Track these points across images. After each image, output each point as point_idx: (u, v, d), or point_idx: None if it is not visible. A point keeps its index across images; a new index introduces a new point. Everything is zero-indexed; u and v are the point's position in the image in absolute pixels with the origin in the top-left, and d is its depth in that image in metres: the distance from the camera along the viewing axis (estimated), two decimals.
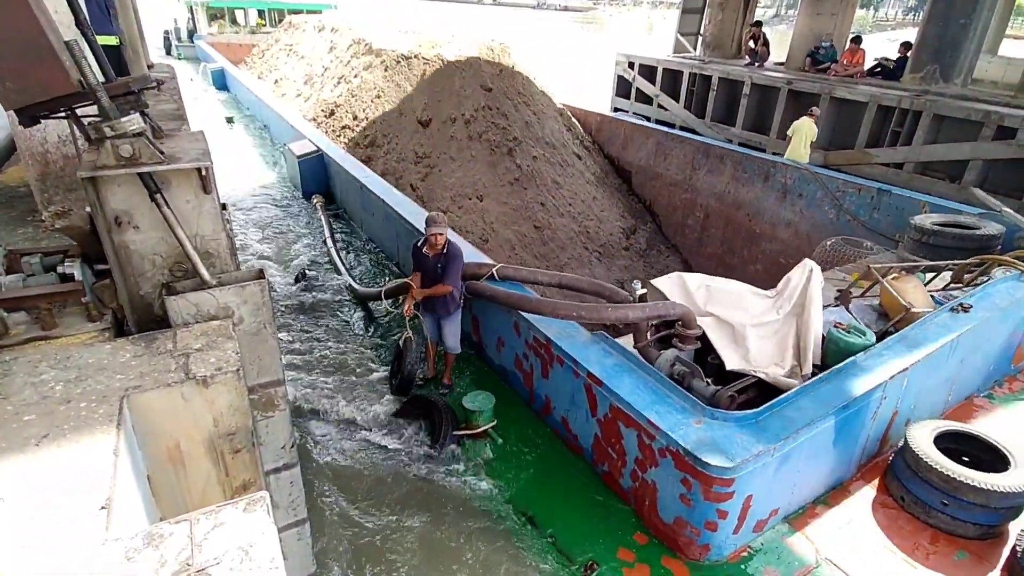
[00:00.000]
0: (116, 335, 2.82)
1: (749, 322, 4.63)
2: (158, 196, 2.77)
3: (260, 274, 3.03)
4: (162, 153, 2.77)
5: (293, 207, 10.24)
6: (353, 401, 5.47)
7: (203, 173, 2.88)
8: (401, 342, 5.32)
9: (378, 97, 12.33)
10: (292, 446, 3.32)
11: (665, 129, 13.18)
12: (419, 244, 5.33)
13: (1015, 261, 5.74)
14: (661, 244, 13.17)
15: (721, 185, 11.84)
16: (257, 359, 3.08)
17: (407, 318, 5.29)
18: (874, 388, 4.14)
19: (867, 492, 4.44)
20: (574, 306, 4.71)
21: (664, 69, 16.39)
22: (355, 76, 13.61)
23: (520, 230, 11.51)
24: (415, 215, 7.38)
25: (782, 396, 3.95)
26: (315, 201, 9.90)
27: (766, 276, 11.28)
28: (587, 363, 4.45)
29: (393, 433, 5.12)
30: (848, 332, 4.56)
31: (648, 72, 16.97)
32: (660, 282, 5.34)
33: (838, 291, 7.20)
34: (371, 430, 5.15)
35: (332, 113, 12.98)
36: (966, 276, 6.09)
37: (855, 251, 7.97)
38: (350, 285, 7.30)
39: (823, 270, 6.95)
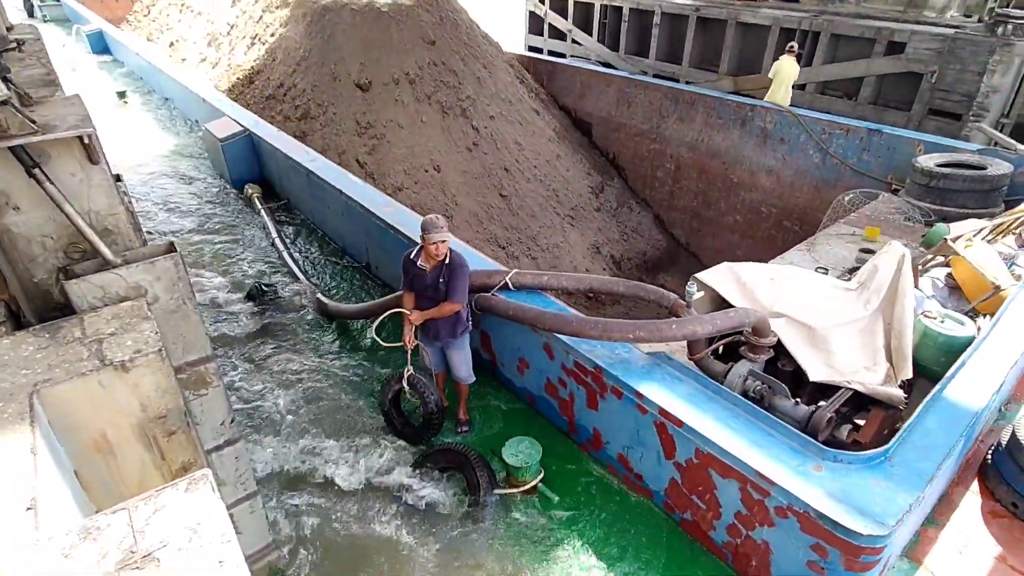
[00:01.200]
0: (14, 328, 2.66)
1: (831, 322, 3.92)
2: (36, 171, 2.51)
3: (171, 247, 2.86)
4: (33, 123, 2.48)
5: (223, 202, 8.66)
6: (358, 456, 4.46)
7: (86, 141, 2.62)
8: (405, 381, 4.30)
9: (304, 59, 10.60)
10: (231, 422, 3.24)
11: (627, 75, 12.19)
12: (411, 256, 4.25)
13: None
14: (631, 200, 12.42)
15: (693, 133, 11.10)
16: (181, 337, 2.95)
17: (409, 351, 4.28)
18: (996, 391, 3.56)
19: (971, 500, 3.93)
20: (628, 326, 3.84)
21: (575, 2, 15.35)
22: (271, 35, 11.69)
23: (485, 200, 10.42)
24: (382, 206, 6.19)
25: (909, 422, 3.28)
26: (250, 193, 8.39)
27: (746, 226, 10.81)
28: (656, 397, 3.63)
29: (416, 492, 4.17)
30: (941, 322, 3.94)
31: (559, 6, 15.89)
32: (708, 276, 4.54)
33: (860, 250, 6.70)
34: (400, 494, 4.19)
35: (251, 81, 11.14)
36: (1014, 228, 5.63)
37: (873, 204, 7.42)
38: (318, 300, 6.10)
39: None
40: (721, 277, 4.43)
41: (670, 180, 11.89)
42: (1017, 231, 5.70)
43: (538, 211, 10.75)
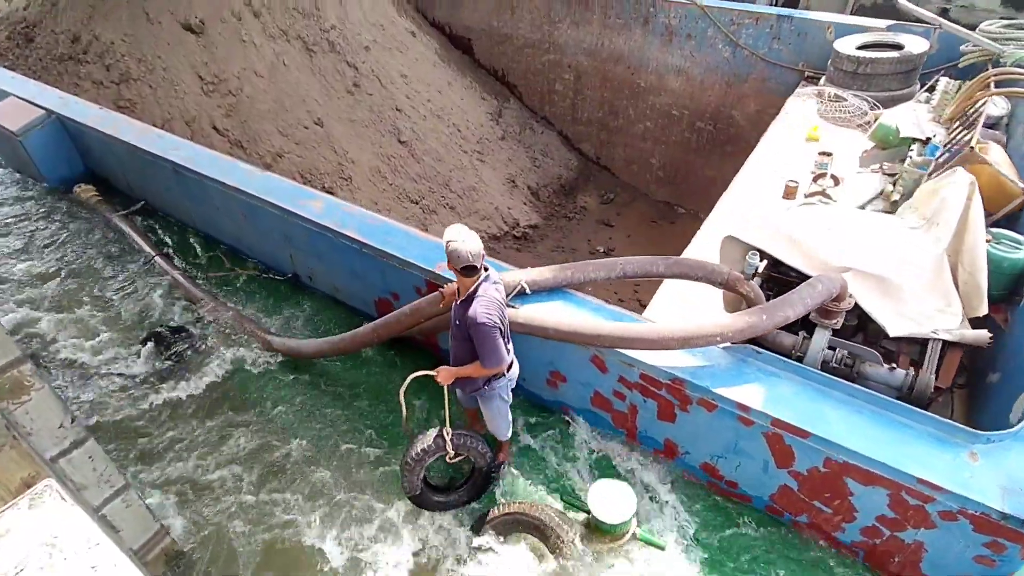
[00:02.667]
0: None
1: (903, 267, 3.54)
2: None
3: None
4: None
5: (46, 214, 6.42)
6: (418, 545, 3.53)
7: None
8: (450, 446, 3.34)
9: (110, 3, 7.91)
10: (72, 422, 2.98)
11: None
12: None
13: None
14: (531, 120, 11.43)
15: (591, 38, 10.16)
16: None
17: (445, 391, 3.32)
18: None
19: None
20: (713, 330, 3.16)
21: None
22: None
23: (383, 150, 8.94)
24: (305, 202, 4.78)
25: None
26: (85, 197, 6.29)
27: (658, 132, 10.42)
28: (765, 407, 3.08)
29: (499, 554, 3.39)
30: (998, 243, 3.72)
31: None
32: (748, 234, 3.94)
33: (819, 152, 6.45)
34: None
35: (29, 39, 8.19)
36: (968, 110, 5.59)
37: (841, 107, 7.12)
38: (267, 341, 4.71)
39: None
40: (765, 234, 3.85)
41: (571, 93, 11.01)
42: (970, 114, 5.71)
43: (443, 152, 9.47)
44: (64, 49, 7.76)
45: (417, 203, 8.92)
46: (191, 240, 6.06)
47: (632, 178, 11.30)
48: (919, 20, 7.27)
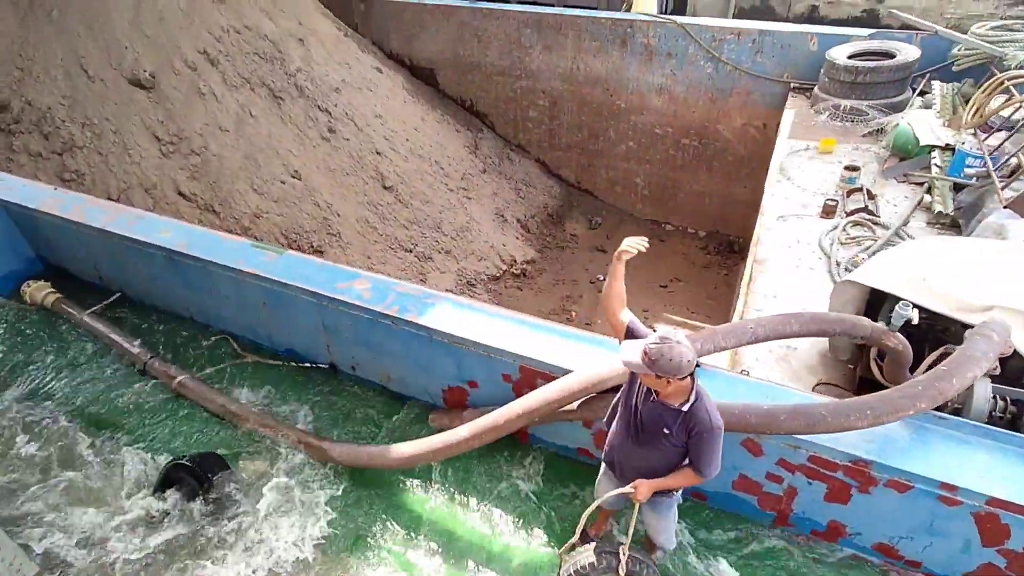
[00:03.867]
0: None
1: None
2: None
3: None
4: None
5: None
6: None
7: None
8: (621, 566, 2.78)
9: (25, 57, 6.83)
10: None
11: (468, 4, 10.25)
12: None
13: None
14: (507, 150, 11.00)
15: (566, 62, 9.86)
16: None
17: (636, 508, 2.76)
18: None
19: None
20: (904, 402, 2.78)
21: None
22: None
23: (369, 199, 8.24)
24: (337, 283, 4.10)
25: None
26: (40, 297, 5.24)
27: (641, 151, 10.26)
28: (974, 483, 2.73)
29: None
30: None
31: None
32: (872, 278, 3.63)
33: (845, 168, 6.33)
34: None
35: None
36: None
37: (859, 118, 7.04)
38: (323, 449, 3.94)
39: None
40: (891, 277, 3.55)
41: (546, 118, 10.66)
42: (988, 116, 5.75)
43: (430, 193, 8.86)
44: None
45: (411, 251, 8.26)
46: (187, 333, 5.16)
47: (617, 199, 11.07)
48: (908, 27, 7.39)
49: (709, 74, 9.02)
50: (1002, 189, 4.54)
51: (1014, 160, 5.02)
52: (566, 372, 3.37)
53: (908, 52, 7.22)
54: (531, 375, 3.62)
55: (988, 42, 6.54)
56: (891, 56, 7.30)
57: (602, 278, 9.67)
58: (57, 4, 6.89)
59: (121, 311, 5.39)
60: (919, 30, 7.32)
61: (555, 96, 10.32)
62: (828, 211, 5.89)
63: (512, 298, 8.94)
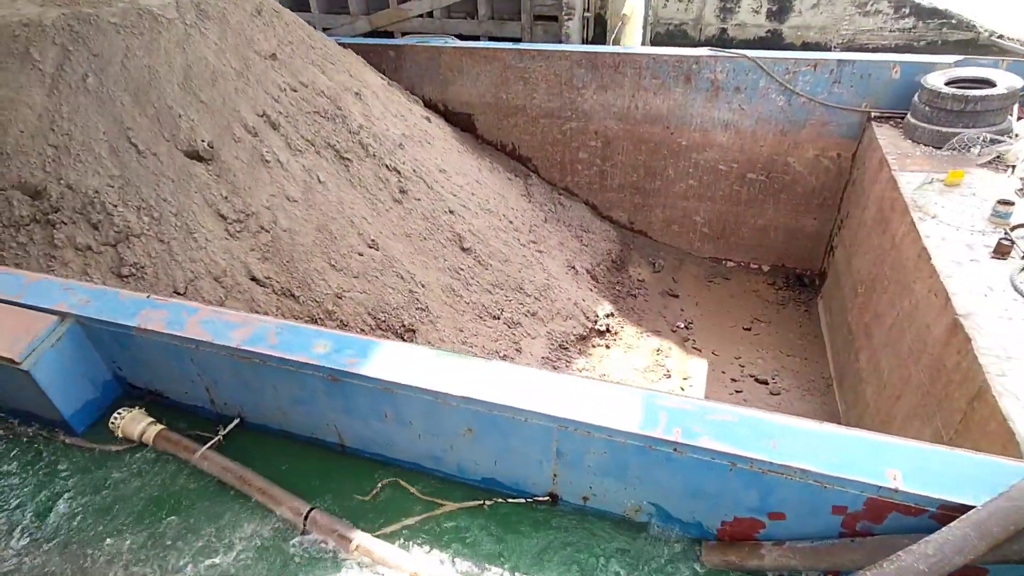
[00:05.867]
0: None
1: None
2: None
3: None
4: None
5: (78, 484, 4.12)
6: None
7: None
8: None
9: (60, 133, 5.72)
10: None
11: (510, 46, 9.67)
12: None
13: None
14: (556, 195, 10.38)
15: (622, 101, 9.39)
16: None
17: None
18: None
19: None
20: None
21: None
22: None
23: (450, 264, 7.41)
24: (574, 410, 3.30)
25: None
26: (127, 428, 4.15)
27: (702, 189, 9.86)
28: None
29: None
30: None
31: None
32: None
33: (998, 202, 5.99)
34: None
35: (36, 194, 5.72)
36: None
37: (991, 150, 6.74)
38: None
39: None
40: None
41: (598, 159, 10.13)
42: None
43: (507, 251, 8.10)
44: (22, 211, 5.43)
45: (498, 318, 7.44)
46: (335, 466, 4.16)
47: (673, 239, 10.59)
48: (1003, 51, 7.26)
49: (781, 107, 8.71)
50: None
51: None
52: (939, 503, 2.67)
53: (1008, 79, 7.06)
54: (883, 508, 2.90)
55: None
56: (988, 83, 7.14)
57: (682, 325, 9.10)
58: (92, 69, 5.86)
59: (239, 439, 4.35)
60: (1011, 55, 7.20)
61: (609, 136, 9.82)
62: (1003, 251, 5.50)
63: (603, 358, 8.22)
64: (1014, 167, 6.57)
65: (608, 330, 8.51)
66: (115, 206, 5.57)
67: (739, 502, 3.25)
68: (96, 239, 5.47)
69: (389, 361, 3.63)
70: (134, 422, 4.28)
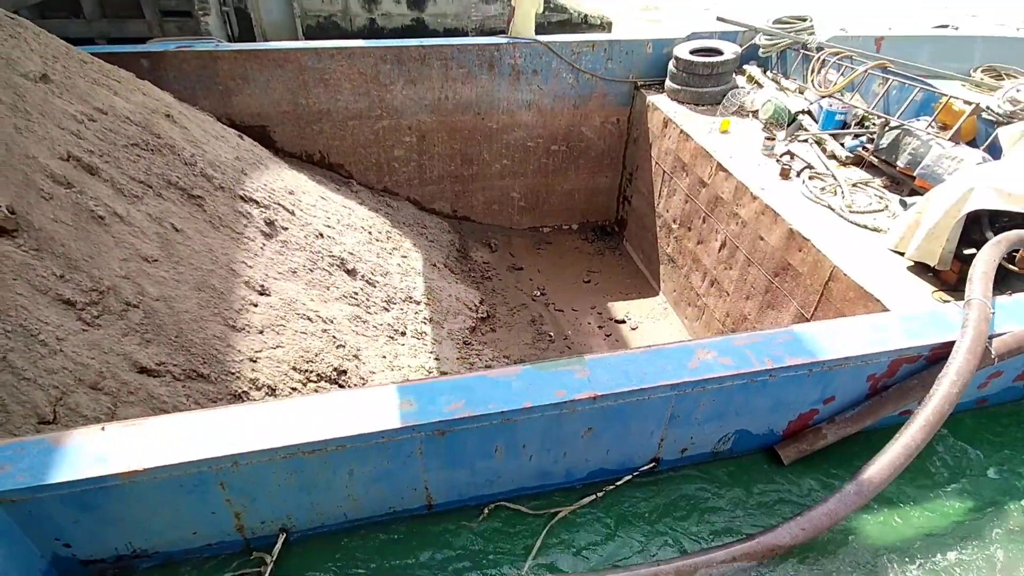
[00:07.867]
0: None
1: None
2: None
3: None
4: None
5: None
6: None
7: None
8: None
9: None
10: None
11: (301, 45, 8.72)
12: None
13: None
14: (380, 196, 9.98)
15: (433, 93, 9.45)
16: None
17: None
18: None
19: None
20: None
21: None
22: None
23: (343, 291, 6.82)
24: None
25: None
26: None
27: (515, 166, 10.70)
28: None
29: None
30: None
31: None
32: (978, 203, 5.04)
33: (765, 138, 7.98)
34: None
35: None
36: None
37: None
38: None
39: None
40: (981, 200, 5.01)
41: (415, 154, 10.01)
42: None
43: (383, 263, 7.62)
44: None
45: (405, 333, 7.11)
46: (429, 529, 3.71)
47: (495, 218, 11.19)
48: (725, 22, 9.52)
49: (571, 84, 9.87)
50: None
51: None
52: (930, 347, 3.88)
53: (729, 47, 9.33)
54: (896, 365, 4.00)
55: (788, 32, 9.01)
56: (716, 51, 9.32)
57: (539, 294, 9.85)
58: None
59: (286, 561, 3.55)
60: (737, 27, 9.53)
61: (423, 130, 9.78)
62: (785, 174, 7.45)
63: (493, 343, 8.46)
64: (755, 112, 8.82)
65: (491, 316, 8.76)
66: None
67: (806, 400, 4.05)
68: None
69: (498, 394, 3.43)
70: None
